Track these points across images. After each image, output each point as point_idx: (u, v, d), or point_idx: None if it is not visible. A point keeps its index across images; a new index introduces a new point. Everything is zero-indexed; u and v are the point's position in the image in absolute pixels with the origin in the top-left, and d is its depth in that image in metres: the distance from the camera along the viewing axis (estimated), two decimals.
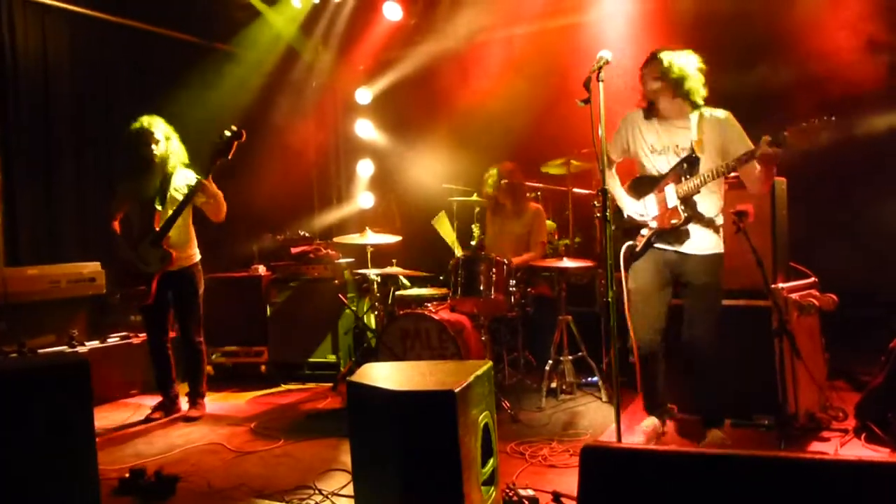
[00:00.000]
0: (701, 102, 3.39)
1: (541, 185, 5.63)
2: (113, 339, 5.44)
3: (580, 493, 1.77)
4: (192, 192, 4.50)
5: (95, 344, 5.32)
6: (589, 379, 4.91)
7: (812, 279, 4.15)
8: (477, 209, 5.59)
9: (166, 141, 4.66)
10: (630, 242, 3.51)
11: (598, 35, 6.09)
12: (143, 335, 5.44)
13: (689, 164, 3.30)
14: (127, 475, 3.40)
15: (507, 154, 5.73)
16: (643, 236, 3.49)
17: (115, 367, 5.33)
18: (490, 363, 2.63)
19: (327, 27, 7.31)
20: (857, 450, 3.53)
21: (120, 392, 5.37)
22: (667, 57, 3.35)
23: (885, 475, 1.54)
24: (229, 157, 4.37)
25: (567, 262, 4.57)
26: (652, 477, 1.63)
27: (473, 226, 5.69)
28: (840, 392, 4.33)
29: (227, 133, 4.34)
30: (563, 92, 6.01)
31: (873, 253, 4.83)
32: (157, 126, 4.64)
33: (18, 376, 2.95)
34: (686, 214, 3.32)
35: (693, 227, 3.40)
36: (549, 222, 5.49)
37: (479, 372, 2.41)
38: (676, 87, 3.35)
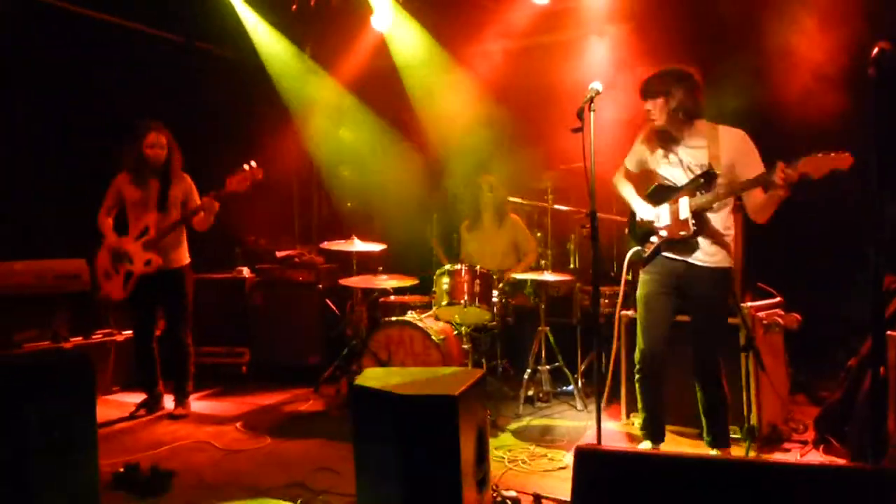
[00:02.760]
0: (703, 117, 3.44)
1: (521, 199, 5.81)
2: (96, 336, 5.49)
3: (574, 493, 1.93)
4: (198, 209, 4.65)
5: (79, 340, 5.37)
6: (565, 388, 5.11)
7: (777, 299, 4.40)
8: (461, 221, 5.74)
9: (171, 148, 4.79)
10: (637, 248, 3.59)
11: (580, 53, 6.32)
12: (126, 332, 5.52)
13: (706, 180, 3.36)
14: (121, 469, 3.49)
15: (488, 166, 5.93)
16: (652, 243, 3.55)
17: (98, 364, 5.38)
18: (483, 371, 2.80)
19: (313, 32, 7.45)
20: (817, 460, 3.76)
21: (102, 389, 5.41)
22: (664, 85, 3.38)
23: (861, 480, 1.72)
24: (244, 191, 4.61)
25: (548, 276, 4.77)
26: (644, 480, 1.80)
27: (455, 236, 5.86)
28: (800, 406, 4.58)
29: (246, 167, 4.54)
30: (546, 108, 6.29)
31: (837, 275, 5.08)
32: (164, 132, 4.78)
33: (22, 371, 3.05)
34: (695, 228, 3.38)
35: (702, 240, 3.44)
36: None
37: (475, 379, 2.58)
38: (685, 112, 3.37)
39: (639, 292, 3.61)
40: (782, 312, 4.28)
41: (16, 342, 4.90)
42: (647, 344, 3.56)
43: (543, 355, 4.95)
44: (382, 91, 7.31)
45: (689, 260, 3.46)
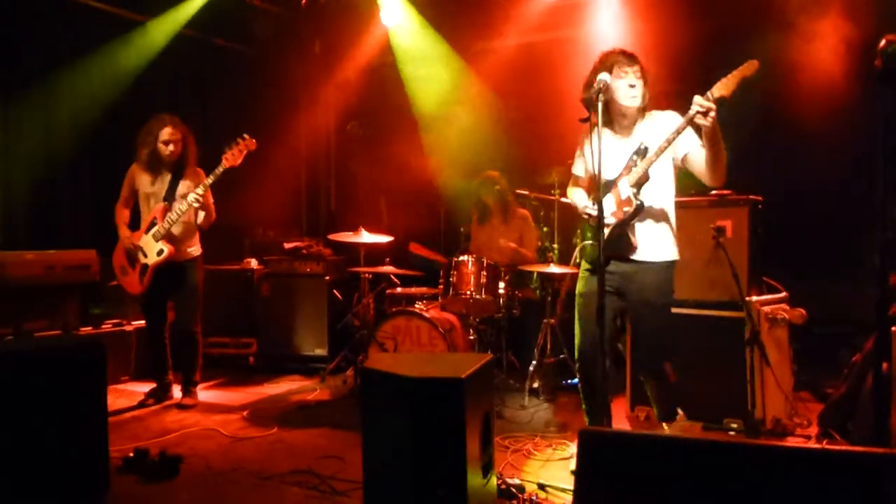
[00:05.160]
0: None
1: (528, 192, 5.85)
2: (106, 326, 5.54)
3: (578, 474, 1.96)
4: (193, 201, 4.63)
5: (89, 330, 5.41)
6: (569, 381, 5.13)
7: (783, 294, 4.41)
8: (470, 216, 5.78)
9: (186, 142, 4.81)
10: (589, 242, 3.42)
11: (584, 50, 6.33)
12: (136, 323, 5.57)
13: (638, 155, 3.25)
14: (131, 454, 3.53)
15: (496, 162, 5.94)
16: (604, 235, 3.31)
17: (107, 354, 5.40)
18: (492, 356, 2.84)
19: (324, 27, 7.51)
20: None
21: (111, 378, 5.44)
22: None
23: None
24: (237, 165, 4.62)
25: (554, 268, 4.79)
26: (647, 461, 1.83)
27: (463, 229, 5.89)
28: (805, 402, 4.59)
29: (239, 140, 4.58)
30: (550, 104, 6.32)
31: (843, 273, 5.10)
32: (180, 127, 4.79)
33: (39, 356, 3.12)
34: (639, 202, 3.23)
35: (644, 231, 3.30)
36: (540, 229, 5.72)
37: (483, 363, 2.62)
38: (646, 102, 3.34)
39: (578, 287, 3.48)
40: (788, 307, 4.29)
41: (26, 331, 4.94)
42: (583, 341, 3.40)
43: (549, 348, 4.98)
44: (388, 86, 7.36)
45: (634, 257, 3.30)
